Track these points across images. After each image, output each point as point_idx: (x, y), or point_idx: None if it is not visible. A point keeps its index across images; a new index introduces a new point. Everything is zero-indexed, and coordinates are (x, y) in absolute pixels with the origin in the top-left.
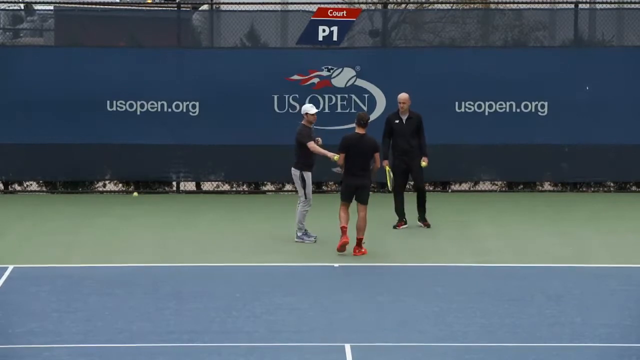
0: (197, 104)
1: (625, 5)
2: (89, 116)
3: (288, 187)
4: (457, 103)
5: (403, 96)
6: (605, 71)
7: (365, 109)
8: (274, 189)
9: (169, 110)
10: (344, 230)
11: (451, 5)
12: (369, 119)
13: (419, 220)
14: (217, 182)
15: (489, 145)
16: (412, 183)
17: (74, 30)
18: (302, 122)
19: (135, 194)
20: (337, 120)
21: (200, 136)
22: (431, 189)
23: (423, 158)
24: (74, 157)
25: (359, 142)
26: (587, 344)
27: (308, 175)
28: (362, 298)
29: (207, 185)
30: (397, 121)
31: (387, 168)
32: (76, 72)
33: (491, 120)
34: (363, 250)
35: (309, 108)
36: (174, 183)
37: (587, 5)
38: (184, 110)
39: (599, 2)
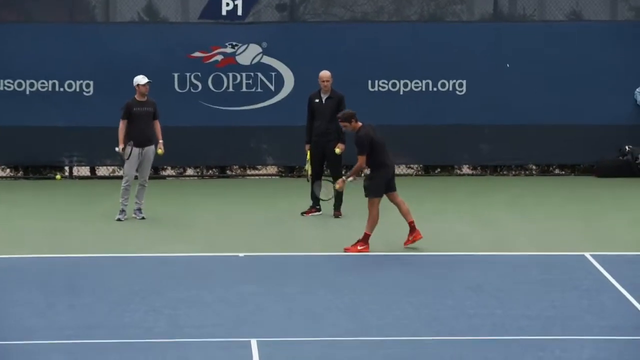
0: (91, 83)
1: None
2: None
3: (190, 171)
4: (370, 82)
5: (324, 74)
6: (527, 47)
7: (272, 88)
8: (174, 173)
9: (61, 89)
10: (411, 225)
11: None
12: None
13: (334, 210)
14: (113, 167)
15: (404, 126)
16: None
17: None
18: (135, 96)
19: (59, 176)
20: (242, 100)
21: (94, 118)
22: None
23: (338, 144)
24: None
25: (375, 131)
26: (508, 336)
27: (129, 151)
28: (269, 290)
29: (102, 170)
30: (317, 100)
31: (308, 153)
32: None
33: (406, 99)
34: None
35: (140, 79)
36: (67, 168)
37: None
38: (77, 90)
39: None
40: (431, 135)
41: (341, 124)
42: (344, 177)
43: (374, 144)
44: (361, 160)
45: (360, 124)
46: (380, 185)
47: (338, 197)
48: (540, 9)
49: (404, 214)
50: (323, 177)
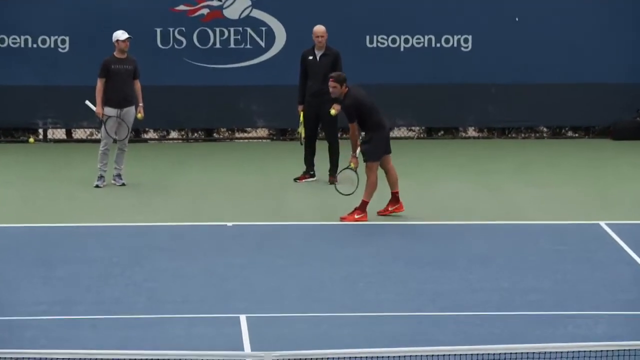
0: (66, 39)
1: None
2: None
3: (173, 134)
4: (368, 37)
5: (319, 29)
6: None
7: (262, 44)
8: (157, 137)
9: (34, 46)
10: (396, 196)
11: None
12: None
13: (329, 175)
14: (90, 130)
15: (405, 85)
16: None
17: None
18: (114, 53)
19: (32, 139)
20: (229, 58)
21: (70, 76)
22: (340, 135)
23: (334, 105)
24: None
25: (362, 92)
26: (515, 312)
27: (108, 112)
28: (259, 262)
29: (78, 133)
30: (310, 57)
31: (302, 114)
32: None
33: (407, 56)
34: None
35: (119, 34)
36: (41, 131)
37: None
38: (52, 46)
39: None
40: (434, 95)
41: (331, 84)
42: (354, 154)
43: (363, 107)
44: (353, 128)
45: (347, 89)
46: (379, 148)
47: (333, 161)
48: None
49: (391, 182)
50: (346, 168)
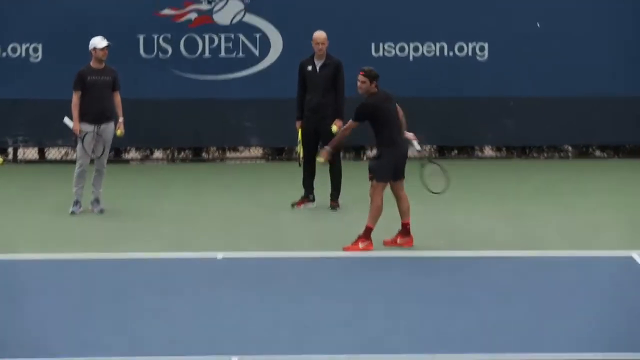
0: (39, 46)
1: None
2: None
3: (158, 154)
4: (373, 45)
5: (319, 36)
6: (564, 2)
7: (256, 53)
8: (139, 156)
9: (3, 55)
10: (406, 227)
11: None
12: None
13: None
14: (65, 149)
15: (414, 98)
16: None
17: None
18: (90, 63)
19: (1, 160)
20: (220, 68)
21: (43, 89)
22: (343, 156)
23: (335, 121)
24: None
25: (389, 101)
26: (539, 353)
27: (84, 128)
28: (253, 298)
29: (52, 153)
30: (309, 68)
31: (300, 131)
32: None
33: (417, 67)
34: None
35: (97, 41)
36: (10, 150)
37: None
38: (22, 55)
39: None
40: (447, 110)
41: (360, 77)
42: (326, 147)
43: (379, 113)
44: (349, 125)
45: (376, 89)
46: (388, 168)
47: (335, 184)
48: None
49: (402, 211)
50: (431, 160)
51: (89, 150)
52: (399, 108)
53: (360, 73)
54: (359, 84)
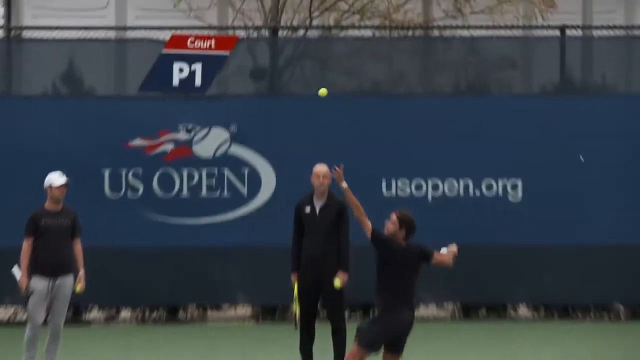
0: None
1: (638, 32)
2: None
3: (125, 313)
4: (384, 181)
5: (321, 169)
6: (610, 131)
7: (244, 191)
8: (103, 317)
9: None
10: None
11: (374, 31)
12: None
13: None
14: (14, 308)
15: (433, 247)
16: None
17: None
18: (45, 204)
19: None
20: (201, 209)
21: None
22: (348, 316)
23: (339, 273)
24: None
25: (412, 258)
26: None
27: (35, 282)
28: None
29: None
30: (307, 209)
31: (296, 286)
32: None
33: (437, 208)
34: None
35: (53, 178)
36: None
37: (580, 32)
38: None
39: (597, 28)
40: (473, 260)
41: (393, 217)
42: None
43: (389, 253)
44: (366, 225)
45: (405, 241)
46: (378, 335)
47: (339, 350)
48: (626, 76)
49: None
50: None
51: (42, 310)
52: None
53: (395, 212)
54: (387, 222)
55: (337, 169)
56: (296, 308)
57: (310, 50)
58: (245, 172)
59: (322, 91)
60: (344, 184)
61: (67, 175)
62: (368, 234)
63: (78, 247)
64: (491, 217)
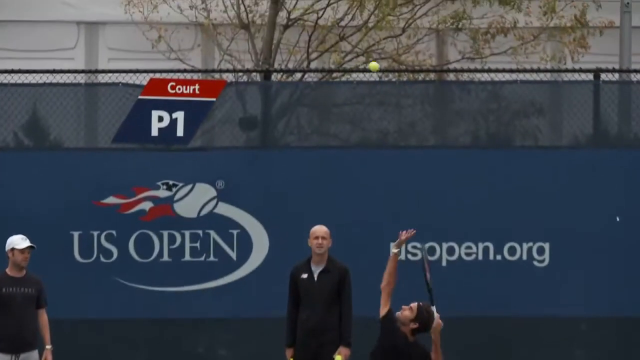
0: None
1: None
2: None
3: None
4: (392, 244)
5: (319, 229)
6: None
7: (233, 255)
8: None
9: None
10: None
11: (380, 75)
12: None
13: None
14: None
15: (450, 319)
16: None
17: None
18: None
19: None
20: (183, 276)
21: None
22: None
23: (340, 348)
24: None
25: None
26: None
27: None
28: None
29: None
30: (304, 275)
31: None
32: None
33: (453, 274)
34: None
35: (16, 241)
36: None
37: (617, 76)
38: None
39: (636, 72)
40: (495, 333)
41: (413, 305)
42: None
43: (392, 349)
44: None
45: (413, 337)
46: None
47: None
48: None
49: None
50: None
51: None
52: None
53: (417, 303)
54: (403, 308)
55: (407, 231)
56: None
57: (308, 96)
58: (234, 233)
59: (374, 65)
60: (397, 250)
61: (31, 238)
62: (383, 310)
63: (44, 319)
64: (515, 284)
